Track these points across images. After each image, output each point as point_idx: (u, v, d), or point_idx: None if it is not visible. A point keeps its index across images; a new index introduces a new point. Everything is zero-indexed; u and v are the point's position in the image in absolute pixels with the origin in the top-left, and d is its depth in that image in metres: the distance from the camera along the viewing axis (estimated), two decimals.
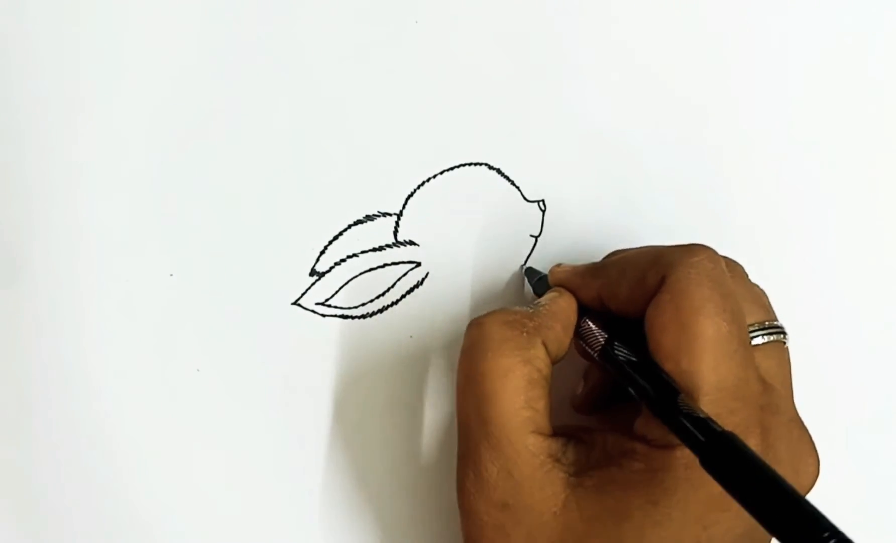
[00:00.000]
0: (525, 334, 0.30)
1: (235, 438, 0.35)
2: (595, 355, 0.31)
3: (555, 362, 0.31)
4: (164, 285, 0.35)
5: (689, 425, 0.26)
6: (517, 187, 0.37)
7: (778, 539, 0.22)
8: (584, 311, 0.32)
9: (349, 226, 0.36)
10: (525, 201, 0.37)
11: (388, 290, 0.36)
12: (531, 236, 0.37)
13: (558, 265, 0.34)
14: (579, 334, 0.32)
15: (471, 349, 0.30)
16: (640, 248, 0.32)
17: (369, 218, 0.36)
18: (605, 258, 0.34)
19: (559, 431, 0.30)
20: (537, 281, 0.35)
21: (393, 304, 0.36)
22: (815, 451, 0.30)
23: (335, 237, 0.36)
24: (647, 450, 0.28)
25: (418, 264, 0.36)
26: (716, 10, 0.38)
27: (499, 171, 0.37)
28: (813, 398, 0.32)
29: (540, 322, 0.30)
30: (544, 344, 0.30)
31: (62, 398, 0.35)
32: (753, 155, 0.38)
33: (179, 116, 0.35)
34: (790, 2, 0.38)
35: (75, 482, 0.35)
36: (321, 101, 0.36)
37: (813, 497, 0.29)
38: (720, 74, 0.38)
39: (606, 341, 0.31)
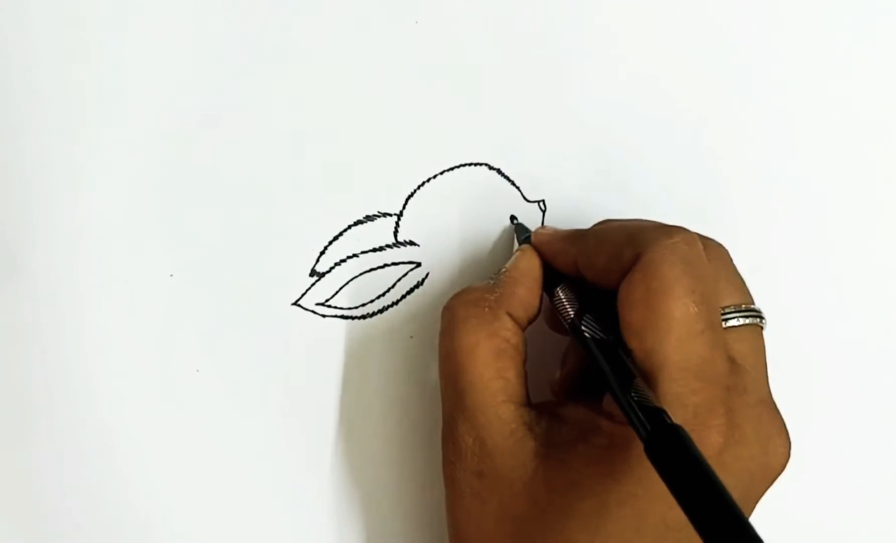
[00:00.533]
0: (487, 309, 0.31)
1: (235, 438, 0.35)
2: (566, 326, 0.32)
3: (527, 324, 0.32)
4: (164, 286, 0.35)
5: (638, 412, 0.26)
6: (517, 187, 0.37)
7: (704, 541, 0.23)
8: (560, 278, 0.32)
9: (349, 226, 0.36)
10: (525, 201, 0.37)
11: (389, 290, 0.36)
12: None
13: (542, 227, 0.35)
14: (552, 303, 0.32)
15: (442, 332, 0.32)
16: (623, 221, 0.33)
17: (369, 218, 0.36)
18: (592, 226, 0.34)
19: (537, 406, 0.31)
20: (524, 239, 0.35)
21: (393, 304, 0.36)
22: (786, 433, 0.30)
23: (335, 238, 0.36)
24: (611, 426, 0.29)
25: (418, 265, 0.36)
26: (717, 10, 0.38)
27: (499, 171, 0.37)
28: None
29: (501, 292, 0.32)
30: (509, 314, 0.31)
31: (62, 398, 0.35)
32: (755, 157, 0.38)
33: (179, 117, 0.35)
34: (794, 8, 0.38)
35: (75, 482, 0.35)
36: (321, 101, 0.36)
37: (786, 482, 0.29)
38: (721, 74, 0.38)
39: (576, 313, 0.31)
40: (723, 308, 0.30)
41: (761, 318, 0.31)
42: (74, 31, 0.35)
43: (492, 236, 0.37)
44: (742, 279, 0.32)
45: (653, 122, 0.37)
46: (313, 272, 0.36)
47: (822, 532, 0.38)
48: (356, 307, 0.36)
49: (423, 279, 0.36)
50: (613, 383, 0.28)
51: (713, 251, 0.31)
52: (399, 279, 0.36)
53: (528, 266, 0.33)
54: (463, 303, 0.32)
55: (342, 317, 0.36)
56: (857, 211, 0.39)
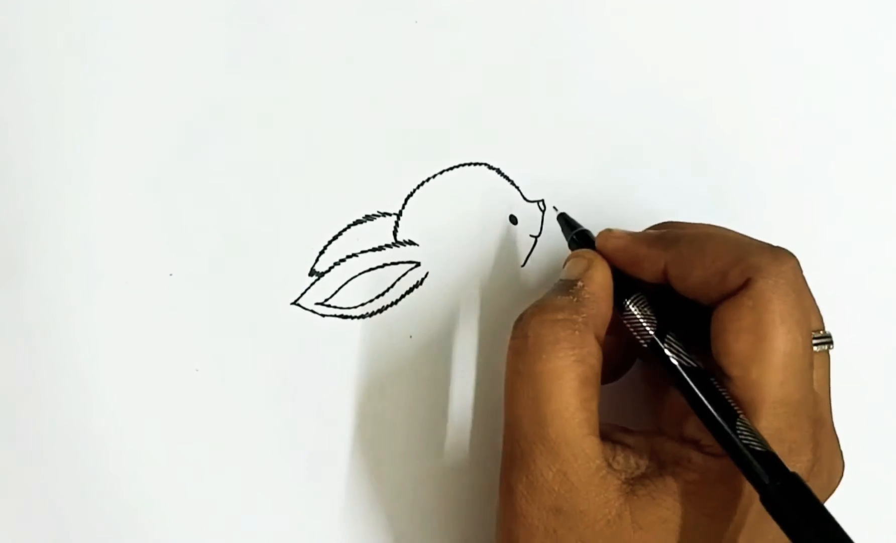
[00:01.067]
0: (577, 332, 0.29)
1: (235, 438, 0.35)
2: (643, 344, 0.29)
3: (603, 343, 0.30)
4: (164, 285, 0.35)
5: (752, 458, 0.25)
6: (517, 187, 0.37)
7: None
8: (630, 288, 0.30)
9: (349, 226, 0.36)
10: (525, 201, 0.37)
11: (388, 290, 0.36)
12: (531, 236, 0.37)
13: (609, 230, 0.31)
14: (622, 317, 0.30)
15: (520, 350, 0.29)
16: (721, 231, 0.31)
17: (369, 218, 0.36)
18: (659, 228, 0.32)
19: (603, 433, 0.29)
20: (576, 234, 0.33)
21: (393, 304, 0.36)
22: (842, 454, 0.30)
23: (335, 237, 0.36)
24: (703, 459, 0.28)
25: (418, 264, 0.36)
26: (718, 9, 0.38)
27: (499, 171, 0.37)
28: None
29: (588, 313, 0.29)
30: (595, 336, 0.29)
31: (61, 398, 0.35)
32: (755, 157, 0.38)
33: (179, 117, 0.35)
34: (795, 9, 0.38)
35: (75, 481, 0.35)
36: (321, 101, 0.36)
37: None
38: (722, 74, 0.38)
39: (657, 332, 0.29)
40: None
41: (831, 343, 0.31)
42: (74, 32, 0.35)
43: (492, 236, 0.37)
44: (814, 299, 0.31)
45: (653, 122, 0.37)
46: (313, 272, 0.36)
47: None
48: (356, 307, 0.36)
49: (423, 279, 0.36)
50: (720, 421, 0.27)
51: (800, 270, 0.29)
52: (399, 279, 0.36)
53: (605, 280, 0.30)
54: (551, 323, 0.29)
55: (342, 317, 0.36)
56: (860, 210, 0.38)
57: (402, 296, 0.36)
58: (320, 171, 0.36)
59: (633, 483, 0.28)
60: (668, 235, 0.31)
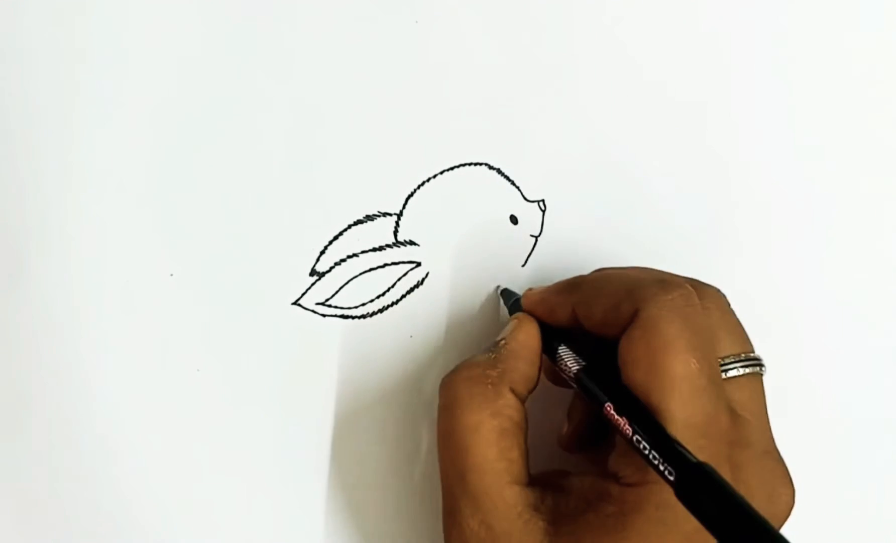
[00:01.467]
0: (490, 385, 0.30)
1: (235, 438, 0.35)
2: (572, 383, 0.31)
3: (526, 397, 0.31)
4: (164, 285, 0.35)
5: (660, 456, 0.26)
6: (517, 187, 0.37)
7: None
8: (559, 336, 0.32)
9: (349, 226, 0.36)
10: (525, 201, 0.37)
11: (389, 290, 0.36)
12: (531, 236, 0.37)
13: (530, 289, 0.34)
14: (554, 362, 0.32)
15: (442, 409, 0.31)
16: (620, 271, 0.32)
17: (369, 218, 0.36)
18: (588, 275, 0.34)
19: (538, 480, 0.30)
20: (512, 303, 0.35)
21: (393, 304, 0.36)
22: (790, 481, 0.30)
23: (335, 237, 0.36)
24: (620, 491, 0.28)
25: (418, 264, 0.36)
26: (716, 13, 0.38)
27: (499, 171, 0.37)
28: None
29: (504, 368, 0.31)
30: (512, 390, 0.31)
31: (62, 398, 0.35)
32: (753, 158, 0.38)
33: (179, 116, 0.35)
34: (790, 7, 0.38)
35: (75, 482, 0.35)
36: (321, 100, 0.36)
37: (790, 527, 0.29)
38: (720, 76, 0.38)
39: (580, 369, 0.31)
40: (722, 358, 0.30)
41: (761, 365, 0.31)
42: (75, 31, 0.35)
43: (492, 236, 0.37)
44: (741, 326, 0.32)
45: (653, 122, 0.37)
46: (313, 272, 0.36)
47: None
48: (356, 307, 0.36)
49: (423, 279, 0.36)
50: (641, 431, 0.27)
51: (710, 300, 0.31)
52: (399, 279, 0.36)
53: (528, 337, 0.32)
54: (465, 380, 0.31)
55: (342, 317, 0.36)
56: (857, 220, 0.39)
57: (403, 296, 0.36)
58: (321, 171, 0.36)
59: (558, 524, 0.29)
60: (574, 280, 0.33)
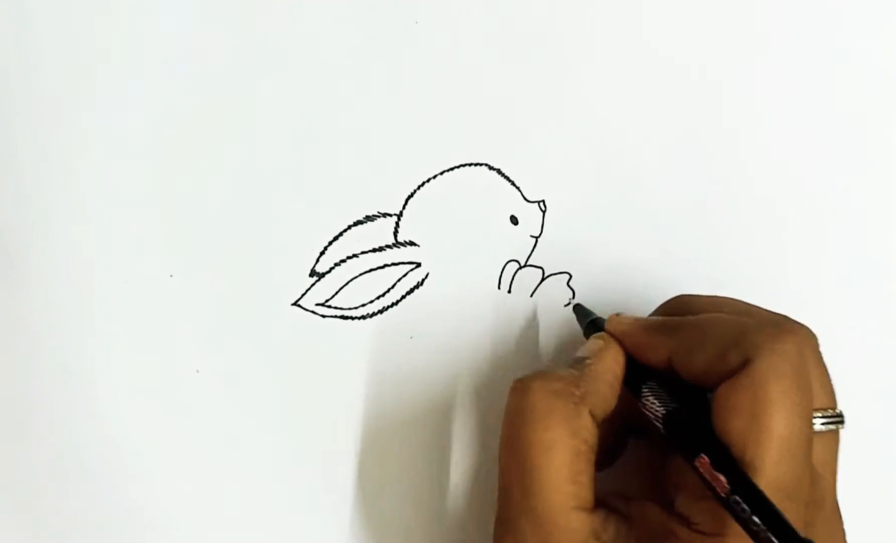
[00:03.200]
0: (572, 404, 0.28)
1: (235, 438, 0.35)
2: (658, 424, 0.29)
3: (601, 422, 0.30)
4: (164, 286, 0.35)
5: (763, 522, 0.25)
6: (517, 187, 0.37)
7: None
8: (646, 374, 0.30)
9: (349, 226, 0.36)
10: (525, 201, 0.37)
11: (388, 290, 0.36)
12: (531, 236, 0.37)
13: (618, 315, 0.32)
14: (638, 401, 0.30)
15: (515, 416, 0.29)
16: (718, 316, 0.30)
17: (369, 218, 0.36)
18: (665, 306, 0.33)
19: (599, 501, 0.29)
20: (588, 323, 0.34)
21: (393, 304, 0.36)
22: (845, 536, 0.30)
23: (335, 238, 0.36)
24: (690, 537, 0.27)
25: (418, 265, 0.36)
26: (716, 14, 0.38)
27: (499, 171, 0.37)
28: None
29: (587, 389, 0.29)
30: (591, 413, 0.29)
31: (62, 398, 0.35)
32: (752, 156, 0.38)
33: (180, 117, 0.35)
34: (791, 7, 0.38)
35: (75, 482, 0.35)
36: (321, 101, 0.36)
37: None
38: (720, 76, 0.38)
39: (672, 412, 0.29)
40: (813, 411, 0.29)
41: (842, 423, 0.30)
42: (74, 32, 0.35)
43: (492, 236, 0.37)
44: (829, 377, 0.30)
45: (653, 122, 0.37)
46: (313, 273, 0.36)
47: None
48: (356, 308, 0.36)
49: (423, 280, 0.36)
50: (739, 495, 0.26)
51: (807, 344, 0.29)
52: (399, 279, 0.36)
53: (614, 362, 0.30)
54: (545, 392, 0.29)
55: (342, 317, 0.36)
56: (861, 218, 0.39)
57: (403, 297, 0.36)
58: (321, 171, 0.36)
59: None
60: (670, 323, 0.31)
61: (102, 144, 0.35)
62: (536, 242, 0.37)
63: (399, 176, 0.36)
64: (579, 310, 0.35)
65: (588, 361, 0.30)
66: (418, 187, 0.36)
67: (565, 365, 0.31)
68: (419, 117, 0.36)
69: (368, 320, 0.36)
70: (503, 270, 0.37)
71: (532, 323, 0.37)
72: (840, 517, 0.30)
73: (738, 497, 0.26)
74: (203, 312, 0.35)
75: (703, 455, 0.27)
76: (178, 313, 0.35)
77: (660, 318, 0.32)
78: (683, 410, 0.29)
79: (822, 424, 0.29)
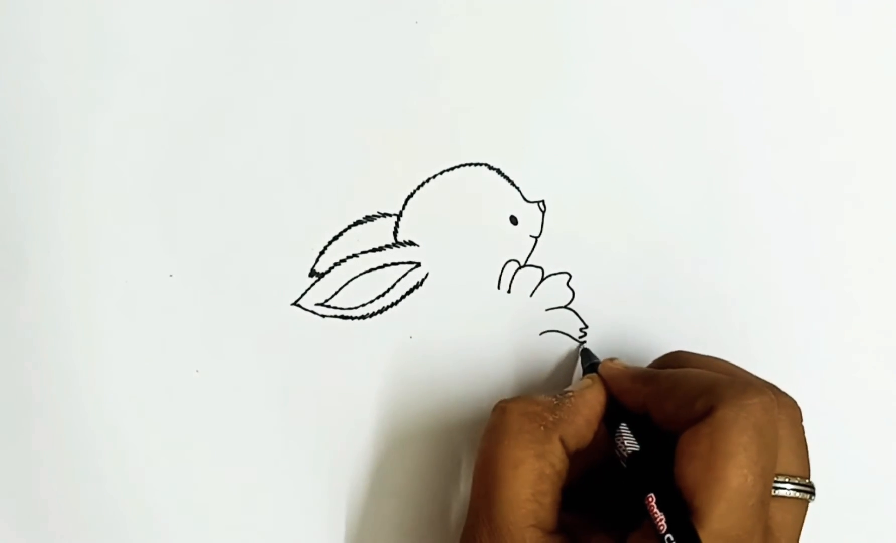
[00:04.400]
0: (543, 428, 0.30)
1: (235, 438, 0.35)
2: (623, 462, 0.31)
3: (574, 454, 0.31)
4: (164, 286, 0.35)
5: None
6: (517, 187, 0.37)
7: None
8: (623, 415, 0.32)
9: (349, 226, 0.36)
10: (525, 201, 0.37)
11: (388, 290, 0.36)
12: (531, 236, 0.37)
13: (612, 360, 0.34)
14: (611, 437, 0.32)
15: (489, 432, 0.31)
16: (697, 371, 0.31)
17: (369, 218, 0.36)
18: (661, 359, 0.34)
19: (563, 528, 0.30)
20: (587, 367, 0.35)
21: (393, 304, 0.36)
22: None
23: (335, 238, 0.36)
24: None
25: (418, 265, 0.36)
26: (717, 14, 0.38)
27: (499, 171, 0.37)
28: None
29: (561, 417, 0.31)
30: (562, 440, 0.30)
31: (62, 399, 0.35)
32: (753, 158, 0.38)
33: (179, 117, 0.35)
34: (790, 7, 0.38)
35: (75, 481, 0.35)
36: (321, 101, 0.36)
37: None
38: (720, 77, 0.38)
39: (636, 453, 0.30)
40: (777, 475, 0.29)
41: (812, 494, 0.30)
42: (75, 32, 0.35)
43: (492, 236, 0.37)
44: (805, 446, 0.31)
45: (653, 122, 0.37)
46: (313, 272, 0.36)
47: None
48: (356, 307, 0.36)
49: (423, 279, 0.36)
50: (663, 531, 0.27)
51: (784, 411, 0.30)
52: (399, 279, 0.36)
53: (593, 400, 0.32)
54: (520, 413, 0.31)
55: (342, 317, 0.36)
56: (861, 222, 0.39)
57: (403, 297, 0.36)
58: (320, 171, 0.36)
59: None
60: (650, 372, 0.32)
61: (102, 144, 0.35)
62: (536, 242, 0.37)
63: (399, 176, 0.36)
64: (585, 354, 0.36)
65: (570, 394, 0.32)
66: (418, 187, 0.36)
67: (549, 394, 0.32)
68: (419, 117, 0.36)
69: (368, 320, 0.36)
70: (503, 270, 0.37)
71: (532, 323, 0.37)
72: None
73: (671, 537, 0.27)
74: (203, 312, 0.35)
75: (651, 494, 0.28)
76: (178, 313, 0.35)
77: (645, 368, 0.33)
78: (647, 452, 0.30)
79: (790, 490, 0.30)
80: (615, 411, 0.32)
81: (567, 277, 0.37)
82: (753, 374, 0.32)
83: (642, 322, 0.37)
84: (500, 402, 0.31)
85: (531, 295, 0.37)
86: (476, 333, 0.36)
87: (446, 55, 0.36)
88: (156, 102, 0.35)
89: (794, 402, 0.31)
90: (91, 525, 0.35)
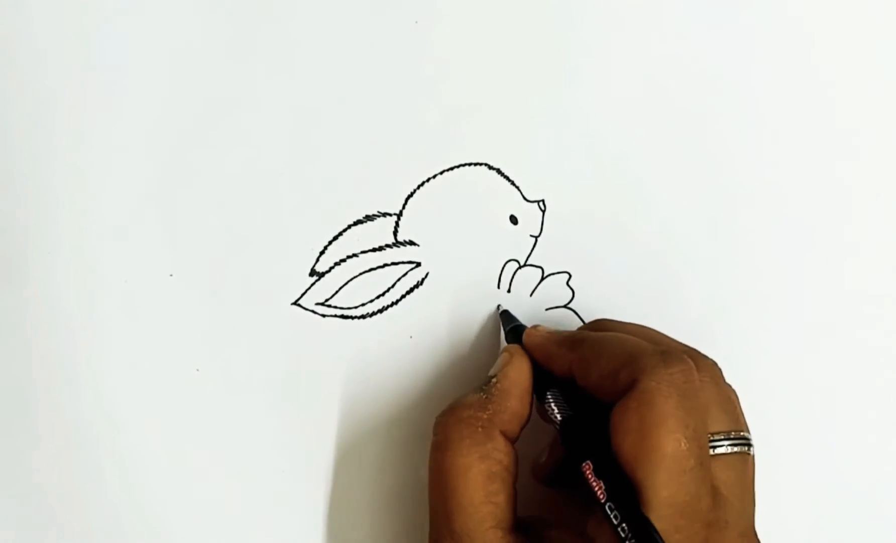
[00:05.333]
0: (480, 428, 0.30)
1: (235, 438, 0.35)
2: (556, 429, 0.31)
3: (518, 435, 0.31)
4: (164, 285, 0.35)
5: (630, 531, 0.26)
6: (517, 187, 0.37)
7: None
8: (551, 381, 0.32)
9: (349, 226, 0.36)
10: (525, 201, 0.37)
11: (388, 290, 0.36)
12: (531, 236, 0.37)
13: (535, 327, 0.34)
14: (541, 406, 0.32)
15: (434, 448, 0.31)
16: (620, 335, 0.32)
17: (369, 218, 0.36)
18: (585, 327, 0.34)
19: (522, 525, 0.30)
20: (510, 330, 0.35)
21: (393, 304, 0.36)
22: None
23: (335, 237, 0.36)
24: None
25: (418, 264, 0.36)
26: (717, 14, 0.38)
27: (499, 171, 0.37)
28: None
29: (494, 409, 0.31)
30: (502, 432, 0.31)
31: (62, 398, 0.35)
32: (753, 158, 0.38)
33: (179, 117, 0.35)
34: (791, 8, 0.38)
35: (75, 481, 0.35)
36: (321, 101, 0.36)
37: None
38: (720, 77, 0.38)
39: (568, 418, 0.31)
40: (712, 434, 0.30)
41: (749, 445, 0.30)
42: (76, 33, 0.35)
43: (492, 236, 0.37)
44: (734, 402, 0.31)
45: (652, 122, 0.37)
46: (313, 272, 0.36)
47: None
48: (356, 307, 0.36)
49: (423, 279, 0.36)
50: (617, 505, 0.27)
51: (706, 372, 0.30)
52: (399, 279, 0.36)
53: (519, 376, 0.32)
54: (455, 422, 0.31)
55: (342, 317, 0.36)
56: (862, 221, 0.39)
57: (403, 296, 0.36)
58: (320, 171, 0.36)
59: None
60: (576, 336, 0.32)
61: (102, 143, 0.35)
62: (536, 241, 0.37)
63: (399, 176, 0.36)
64: (505, 316, 0.36)
65: (494, 380, 0.32)
66: (418, 187, 0.36)
67: (472, 388, 0.32)
68: (419, 117, 0.36)
69: (368, 319, 0.36)
70: (503, 269, 0.37)
71: (531, 323, 0.37)
72: (754, 541, 0.30)
73: (612, 504, 0.27)
74: (203, 311, 0.35)
75: (587, 462, 0.28)
76: (178, 313, 0.35)
77: (568, 331, 0.33)
78: (578, 418, 0.30)
79: (727, 446, 0.30)
80: (543, 378, 0.32)
81: (567, 276, 0.37)
82: (673, 339, 0.32)
83: (642, 322, 0.37)
84: (437, 418, 0.32)
85: (531, 295, 0.37)
86: (476, 333, 0.36)
87: (446, 55, 0.36)
88: (156, 103, 0.35)
89: (714, 362, 0.31)
90: (91, 525, 0.35)
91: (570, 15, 0.37)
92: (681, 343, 0.32)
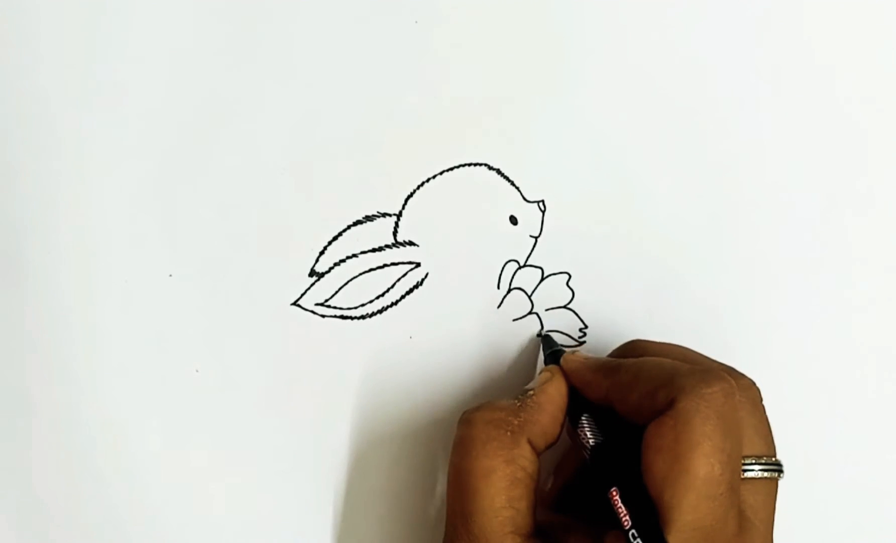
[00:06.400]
0: (509, 433, 0.30)
1: (234, 438, 0.35)
2: (586, 455, 0.31)
3: (543, 451, 0.31)
4: (163, 286, 0.35)
5: None
6: (517, 187, 0.37)
7: None
8: (586, 406, 0.32)
9: (349, 226, 0.36)
10: (525, 201, 0.37)
11: (388, 290, 0.36)
12: (531, 236, 0.37)
13: (573, 353, 0.34)
14: (573, 429, 0.32)
15: (458, 446, 0.31)
16: (657, 360, 0.31)
17: (369, 218, 0.36)
18: (620, 349, 0.34)
19: (541, 531, 0.30)
20: (549, 354, 0.35)
21: (392, 304, 0.36)
22: None
23: (335, 238, 0.36)
24: None
25: (418, 265, 0.36)
26: (717, 15, 0.38)
27: (498, 171, 0.37)
28: None
29: (525, 418, 0.31)
30: (530, 442, 0.31)
31: (62, 398, 0.35)
32: (753, 158, 0.38)
33: (179, 117, 0.35)
34: (791, 8, 0.38)
35: (75, 482, 0.35)
36: (321, 101, 0.36)
37: None
38: (720, 77, 0.38)
39: (599, 444, 0.30)
40: (744, 458, 0.29)
41: (780, 471, 0.30)
42: (76, 33, 0.35)
43: (492, 236, 0.37)
44: (768, 425, 0.31)
45: (653, 122, 0.37)
46: (313, 272, 0.36)
47: None
48: (355, 307, 0.36)
49: (423, 279, 0.36)
50: (627, 527, 0.28)
51: (744, 393, 0.30)
52: (398, 279, 0.36)
53: (556, 394, 0.32)
54: (485, 422, 0.31)
55: (341, 317, 0.36)
56: (861, 221, 0.39)
57: (402, 297, 0.36)
58: (320, 171, 0.36)
59: None
60: (611, 363, 0.32)
61: (102, 143, 0.35)
62: (536, 242, 0.37)
63: (399, 176, 0.36)
64: (546, 340, 0.36)
65: (531, 392, 0.32)
66: (418, 187, 0.36)
67: (511, 396, 0.32)
68: (419, 118, 0.36)
69: (368, 319, 0.36)
70: (503, 270, 0.37)
71: (531, 323, 0.37)
72: None
73: (635, 532, 0.27)
74: (203, 312, 0.35)
75: (614, 488, 0.28)
76: (178, 313, 0.35)
77: (604, 358, 0.33)
78: (610, 444, 0.30)
79: (758, 470, 0.30)
80: (577, 402, 0.32)
81: (567, 277, 0.37)
82: (711, 359, 0.32)
83: (642, 322, 0.37)
84: (465, 413, 0.31)
85: (531, 295, 0.37)
86: (476, 333, 0.36)
87: (446, 55, 0.36)
88: (156, 102, 0.35)
89: (753, 382, 0.31)
90: (91, 525, 0.35)
91: (571, 15, 0.37)
92: (719, 362, 0.31)
